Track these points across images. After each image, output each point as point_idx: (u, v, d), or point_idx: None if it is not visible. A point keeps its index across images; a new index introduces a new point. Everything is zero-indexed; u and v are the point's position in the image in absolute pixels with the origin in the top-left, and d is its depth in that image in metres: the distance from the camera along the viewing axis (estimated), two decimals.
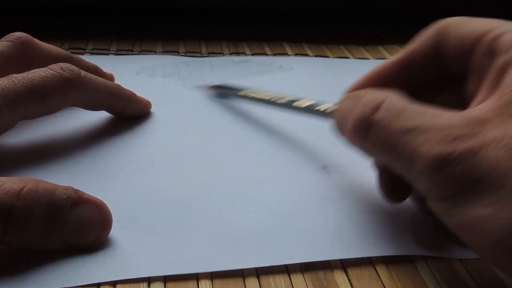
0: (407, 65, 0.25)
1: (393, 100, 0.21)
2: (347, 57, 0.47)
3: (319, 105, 0.28)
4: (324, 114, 0.27)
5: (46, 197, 0.22)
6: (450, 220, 0.19)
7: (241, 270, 0.22)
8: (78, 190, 0.23)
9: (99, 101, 0.31)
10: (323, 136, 0.32)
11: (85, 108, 0.31)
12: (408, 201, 0.27)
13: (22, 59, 0.31)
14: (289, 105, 0.30)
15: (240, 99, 0.36)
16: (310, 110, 0.29)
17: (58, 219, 0.22)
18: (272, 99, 0.32)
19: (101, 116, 0.33)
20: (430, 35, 0.25)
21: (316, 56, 0.47)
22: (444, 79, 0.25)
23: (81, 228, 0.22)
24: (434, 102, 0.22)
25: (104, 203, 0.23)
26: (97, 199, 0.23)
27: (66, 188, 0.22)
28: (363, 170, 0.29)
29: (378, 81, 0.25)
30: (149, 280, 0.22)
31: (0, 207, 0.21)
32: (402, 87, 0.24)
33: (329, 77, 0.42)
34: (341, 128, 0.24)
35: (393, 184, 0.25)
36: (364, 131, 0.22)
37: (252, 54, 0.46)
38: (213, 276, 0.22)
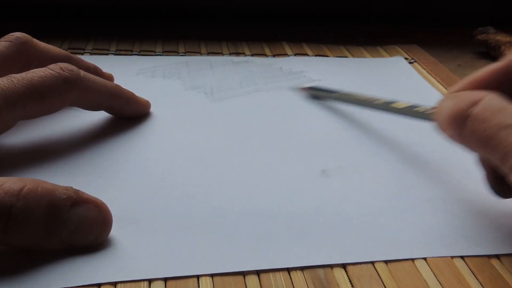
0: (508, 73, 0.26)
1: (492, 98, 0.23)
2: (346, 57, 0.47)
3: (417, 107, 0.29)
4: (423, 115, 0.28)
5: (46, 197, 0.22)
6: None
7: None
8: (78, 190, 0.23)
9: (98, 101, 0.31)
10: (322, 140, 0.33)
11: (84, 108, 0.31)
12: (407, 203, 0.27)
13: (21, 59, 0.31)
14: (386, 107, 0.31)
15: (335, 101, 0.37)
16: (409, 111, 0.30)
17: (58, 219, 0.22)
18: (368, 100, 0.33)
19: (101, 116, 0.33)
20: None
21: (316, 55, 0.47)
22: None
23: (81, 228, 0.22)
24: None
25: (104, 203, 0.23)
26: (97, 199, 0.23)
27: (66, 188, 0.22)
28: (362, 174, 0.29)
29: (478, 86, 0.26)
30: (150, 279, 0.22)
31: (0, 207, 0.21)
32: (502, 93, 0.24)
33: (330, 77, 0.42)
34: (441, 125, 0.25)
35: (499, 179, 0.26)
36: (460, 123, 0.23)
37: (252, 54, 0.46)
38: (213, 274, 0.22)
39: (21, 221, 0.21)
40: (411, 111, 0.29)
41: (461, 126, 0.23)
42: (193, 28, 0.51)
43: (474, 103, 0.23)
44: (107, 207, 0.23)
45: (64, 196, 0.22)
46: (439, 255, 0.24)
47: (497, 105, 0.22)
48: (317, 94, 0.38)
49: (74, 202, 0.22)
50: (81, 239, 0.22)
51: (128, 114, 0.33)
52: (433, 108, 0.26)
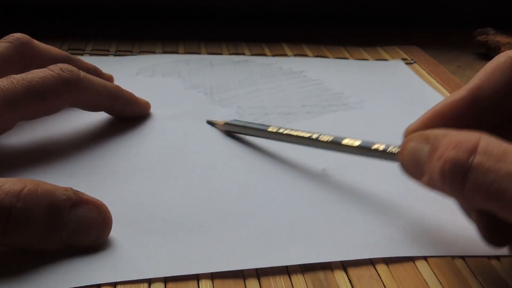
0: (474, 103, 0.23)
1: (490, 142, 0.19)
2: (346, 58, 0.47)
3: (374, 144, 0.26)
4: (384, 155, 0.25)
5: (46, 198, 0.22)
6: None
7: (242, 270, 0.22)
8: (78, 191, 0.23)
9: (98, 102, 0.31)
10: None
11: (84, 109, 0.31)
12: (407, 202, 0.27)
13: (21, 60, 0.31)
14: (336, 144, 0.28)
15: (267, 137, 0.31)
16: (365, 149, 0.26)
17: (58, 220, 0.22)
18: (313, 137, 0.29)
19: (100, 117, 0.33)
20: (500, 67, 0.23)
21: (316, 56, 0.47)
22: None
23: (81, 229, 0.22)
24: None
25: (104, 204, 0.23)
26: (97, 200, 0.23)
27: (66, 189, 0.22)
28: (361, 173, 0.29)
29: (442, 120, 0.23)
30: (150, 280, 0.22)
31: (0, 208, 0.20)
32: (469, 127, 0.21)
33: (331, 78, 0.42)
34: (414, 171, 0.22)
35: (495, 227, 0.22)
36: (461, 177, 0.19)
37: (252, 55, 0.46)
38: (213, 276, 0.22)
39: (21, 222, 0.21)
40: (368, 149, 0.26)
41: (462, 181, 0.19)
42: (193, 29, 0.51)
43: (473, 150, 0.19)
44: (107, 208, 0.23)
45: (64, 197, 0.22)
46: (439, 254, 0.24)
47: (498, 149, 0.19)
48: (236, 130, 0.33)
49: (74, 203, 0.22)
50: (81, 240, 0.22)
51: (128, 115, 0.33)
52: (396, 147, 0.24)
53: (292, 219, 0.25)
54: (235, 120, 0.33)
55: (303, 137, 0.29)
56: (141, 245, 0.23)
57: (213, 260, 0.23)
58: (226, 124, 0.33)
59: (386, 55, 0.48)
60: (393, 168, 0.30)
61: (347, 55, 0.47)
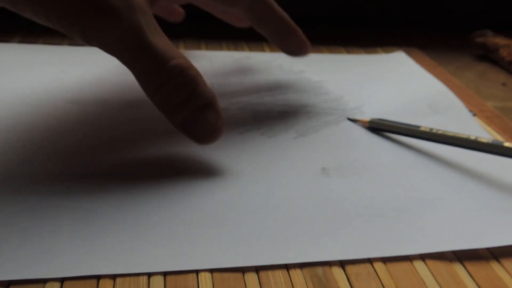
0: None
1: None
2: None
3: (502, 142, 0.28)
4: None
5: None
6: None
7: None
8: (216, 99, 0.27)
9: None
10: (323, 138, 0.33)
11: (250, 18, 0.36)
12: (408, 202, 0.27)
13: None
14: (497, 147, 0.29)
15: (403, 134, 0.33)
16: (496, 147, 0.28)
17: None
18: (471, 138, 0.30)
19: (100, 113, 0.33)
20: None
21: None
22: None
23: (200, 125, 0.27)
24: None
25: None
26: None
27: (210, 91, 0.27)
28: (362, 172, 0.29)
29: None
30: (149, 273, 0.22)
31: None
32: None
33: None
34: None
35: None
36: None
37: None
38: (213, 270, 0.22)
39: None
40: (499, 147, 0.28)
41: None
42: (193, 28, 0.51)
43: None
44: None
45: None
46: (434, 250, 0.24)
47: None
48: (380, 127, 0.34)
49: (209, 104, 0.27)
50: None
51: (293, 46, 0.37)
52: None
53: (291, 218, 0.25)
54: (380, 119, 0.34)
55: (459, 138, 0.30)
56: (141, 238, 0.23)
57: (212, 256, 0.23)
58: (372, 121, 0.34)
59: None
60: (392, 168, 0.30)
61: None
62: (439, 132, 0.31)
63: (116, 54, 0.27)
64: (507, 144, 0.28)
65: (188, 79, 0.27)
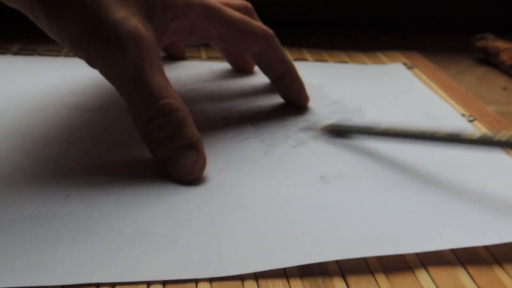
0: None
1: None
2: (346, 62, 0.47)
3: (496, 135, 0.26)
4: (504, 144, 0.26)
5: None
6: None
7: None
8: (200, 142, 0.28)
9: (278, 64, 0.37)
10: (321, 146, 0.33)
11: (261, 66, 0.37)
12: (404, 202, 0.27)
13: None
14: (453, 138, 0.28)
15: (373, 137, 0.32)
16: (486, 141, 0.27)
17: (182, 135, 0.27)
18: (426, 133, 0.29)
19: (99, 115, 0.33)
20: None
21: (316, 61, 0.47)
22: None
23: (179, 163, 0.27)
24: None
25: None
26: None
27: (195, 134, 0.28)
28: (361, 180, 0.29)
29: None
30: (148, 281, 0.22)
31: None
32: None
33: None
34: None
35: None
36: None
37: None
38: (211, 279, 0.22)
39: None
40: (489, 141, 0.26)
41: None
42: None
43: None
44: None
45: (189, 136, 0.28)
46: (431, 249, 0.24)
47: None
48: (341, 131, 0.33)
49: (192, 146, 0.28)
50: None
51: (292, 93, 0.37)
52: None
53: (290, 225, 0.25)
54: (337, 122, 0.34)
55: (418, 133, 0.29)
56: (140, 247, 0.23)
57: (211, 264, 0.22)
58: (329, 126, 0.33)
59: (386, 60, 0.48)
60: (391, 175, 0.30)
61: (347, 59, 0.48)
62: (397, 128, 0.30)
63: (113, 84, 0.28)
64: (465, 134, 0.27)
65: (175, 119, 0.28)
